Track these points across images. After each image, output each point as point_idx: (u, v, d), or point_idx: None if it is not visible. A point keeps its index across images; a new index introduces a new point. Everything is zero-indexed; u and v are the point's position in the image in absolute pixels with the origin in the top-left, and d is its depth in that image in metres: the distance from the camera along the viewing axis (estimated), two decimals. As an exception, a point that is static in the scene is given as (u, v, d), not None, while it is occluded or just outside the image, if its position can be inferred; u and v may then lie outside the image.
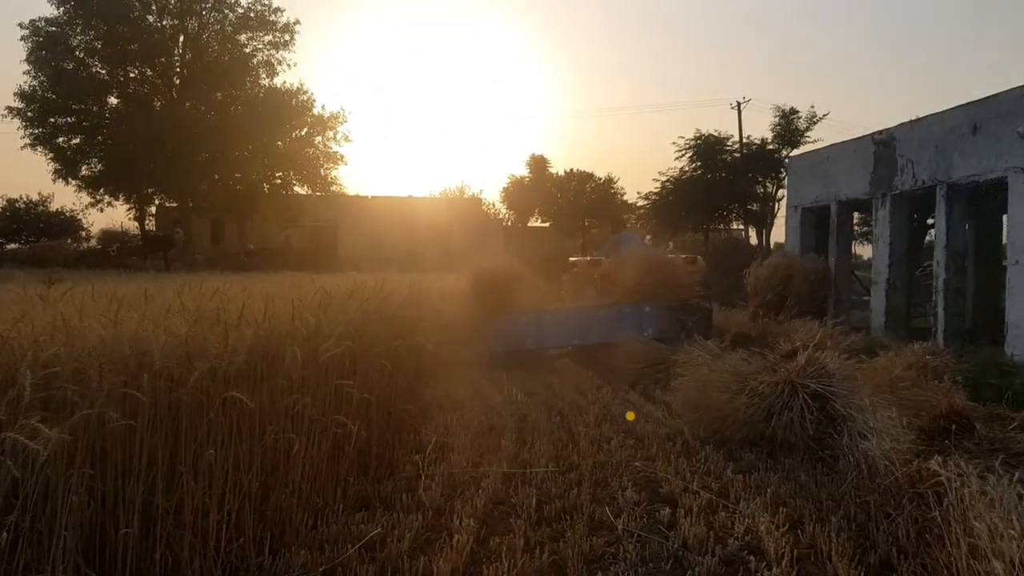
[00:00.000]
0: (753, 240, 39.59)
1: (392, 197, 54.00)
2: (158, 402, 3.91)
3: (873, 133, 14.73)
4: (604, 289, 14.43)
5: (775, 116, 35.38)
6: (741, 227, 40.47)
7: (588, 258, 16.34)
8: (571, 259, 16.35)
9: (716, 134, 35.97)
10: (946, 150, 12.55)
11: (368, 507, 5.59)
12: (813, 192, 17.06)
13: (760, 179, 34.66)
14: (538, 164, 66.52)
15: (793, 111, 35.06)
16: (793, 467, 6.87)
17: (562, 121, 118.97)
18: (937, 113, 12.93)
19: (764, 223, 38.05)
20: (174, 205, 43.95)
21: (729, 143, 35.72)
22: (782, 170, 33.86)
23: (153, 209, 46.08)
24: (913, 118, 13.64)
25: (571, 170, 68.81)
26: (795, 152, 32.61)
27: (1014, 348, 10.82)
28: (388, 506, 5.61)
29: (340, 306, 6.53)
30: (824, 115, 34.90)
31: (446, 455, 6.98)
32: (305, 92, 41.19)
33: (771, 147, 35.38)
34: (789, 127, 34.95)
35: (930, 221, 30.65)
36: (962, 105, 12.10)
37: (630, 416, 8.69)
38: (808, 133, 34.70)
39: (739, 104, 36.30)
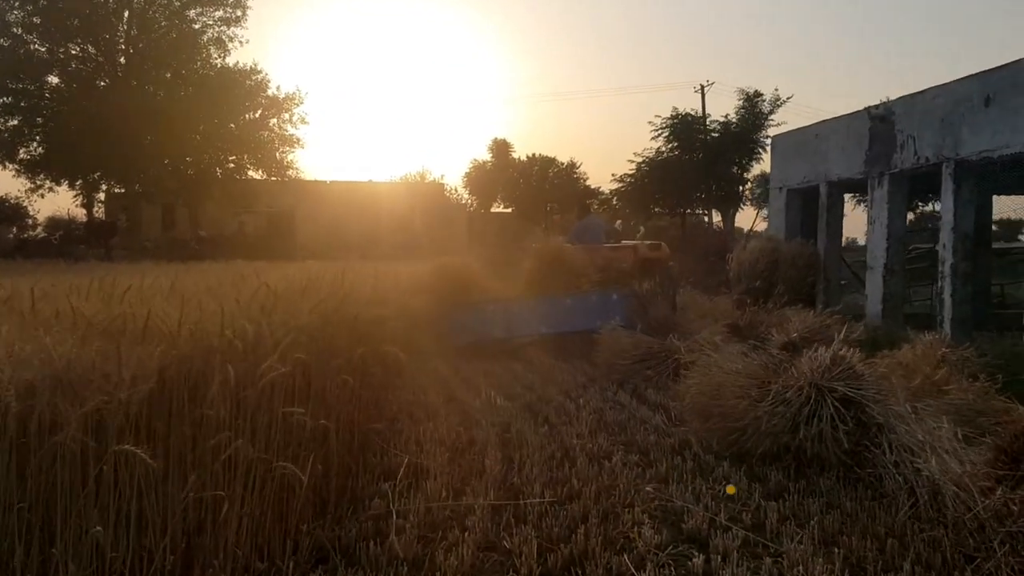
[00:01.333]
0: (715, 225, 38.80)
1: (352, 182, 52.51)
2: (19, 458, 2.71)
3: (869, 107, 13.78)
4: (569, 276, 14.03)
5: (739, 99, 34.66)
6: (704, 212, 39.65)
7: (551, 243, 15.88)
8: (533, 245, 15.87)
9: (693, 113, 34.99)
10: (953, 124, 11.62)
11: (326, 561, 4.44)
12: (800, 172, 16.12)
13: (738, 160, 33.76)
14: (500, 149, 65.61)
15: (757, 94, 34.37)
16: (831, 490, 5.83)
17: (524, 105, 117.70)
18: (943, 84, 11.99)
19: (730, 207, 37.26)
20: (123, 191, 42.05)
21: (708, 122, 34.73)
22: (759, 151, 33.09)
23: (102, 195, 44.02)
24: (914, 91, 12.70)
25: (534, 155, 67.94)
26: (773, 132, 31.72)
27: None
28: (351, 560, 4.45)
29: (290, 306, 5.32)
30: (788, 98, 34.43)
31: (420, 482, 5.82)
32: (259, 72, 39.52)
33: (736, 129, 34.52)
34: (753, 110, 34.21)
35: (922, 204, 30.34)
36: (973, 75, 11.17)
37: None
38: (772, 116, 34.07)
39: (703, 87, 35.43)
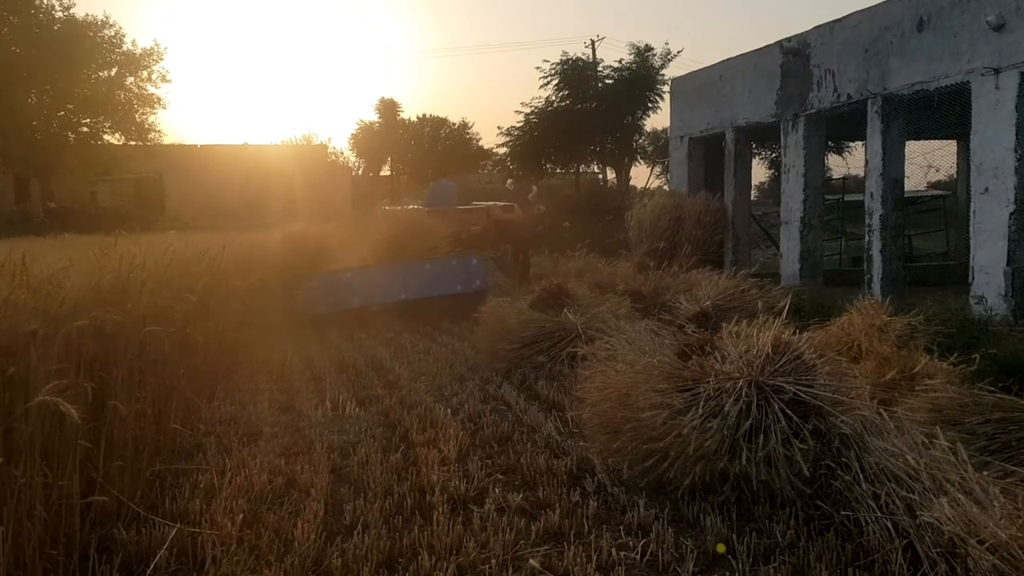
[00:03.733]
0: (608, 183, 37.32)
1: (226, 146, 48.90)
2: None
3: (780, 41, 12.18)
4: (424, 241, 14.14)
5: (630, 54, 32.96)
6: (598, 169, 38.10)
7: (407, 207, 16.87)
8: (385, 208, 16.80)
9: (584, 58, 32.87)
10: (879, 54, 10.10)
11: None
12: (703, 119, 14.50)
13: (633, 110, 31.91)
14: (388, 109, 62.80)
15: (648, 48, 32.72)
16: (792, 545, 4.09)
17: (412, 62, 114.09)
18: (867, 9, 10.43)
19: (624, 162, 35.75)
20: None
21: (600, 68, 32.64)
22: (656, 98, 31.36)
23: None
24: (832, 19, 11.12)
25: (424, 115, 65.38)
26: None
27: (988, 300, 8.53)
28: None
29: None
30: (679, 52, 33.02)
31: (195, 566, 3.82)
32: (111, 25, 35.64)
33: (629, 76, 32.64)
34: (644, 64, 32.61)
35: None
36: (904, -6, 9.63)
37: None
38: (663, 71, 32.58)
39: (593, 42, 33.56)
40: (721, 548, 4.91)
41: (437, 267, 12.76)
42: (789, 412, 4.79)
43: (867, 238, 10.45)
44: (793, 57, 11.91)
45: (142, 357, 4.69)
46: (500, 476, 5.21)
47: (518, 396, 7.36)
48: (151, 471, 4.83)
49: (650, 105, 31.76)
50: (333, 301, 12.05)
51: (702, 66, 15.07)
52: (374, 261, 13.57)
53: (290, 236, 13.59)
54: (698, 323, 9.21)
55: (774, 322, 7.55)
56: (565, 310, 9.26)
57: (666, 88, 31.45)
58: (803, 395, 4.93)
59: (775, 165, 37.12)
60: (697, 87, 14.74)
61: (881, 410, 4.97)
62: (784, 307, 9.58)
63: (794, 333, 6.06)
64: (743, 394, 4.89)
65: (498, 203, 17.16)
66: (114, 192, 39.68)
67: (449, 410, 6.84)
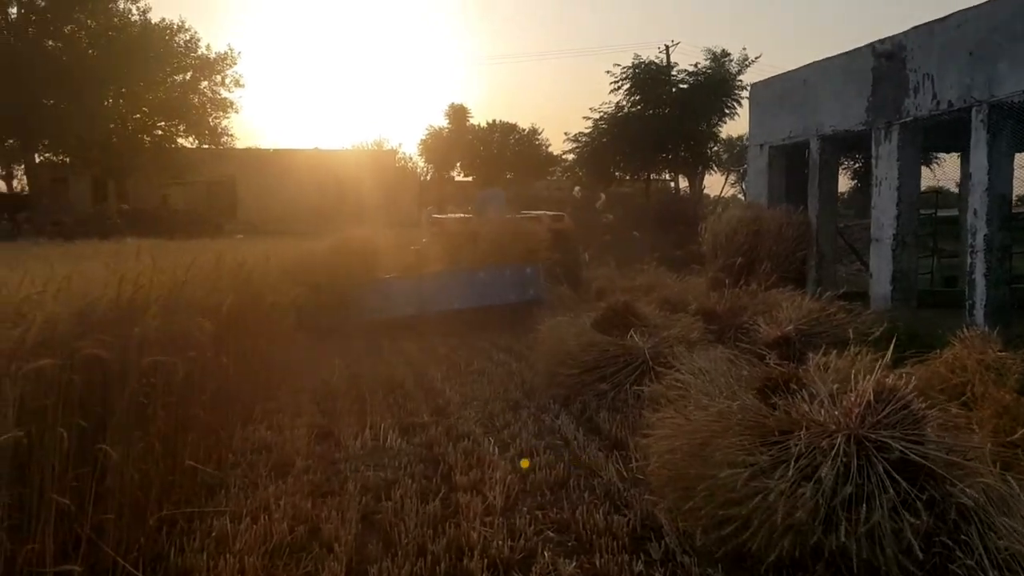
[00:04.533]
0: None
1: (296, 150, 49.33)
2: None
3: (873, 43, 11.22)
4: (474, 249, 14.19)
5: (706, 59, 31.76)
6: (669, 177, 36.90)
7: (455, 215, 16.61)
8: (434, 216, 16.20)
9: (658, 62, 31.68)
10: (986, 58, 9.11)
11: None
12: (785, 126, 13.56)
13: (715, 115, 30.61)
14: (458, 114, 62.78)
15: (724, 54, 31.49)
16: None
17: (483, 68, 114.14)
18: (973, 7, 9.44)
19: (698, 171, 34.57)
20: (62, 160, 38.47)
21: (674, 72, 31.39)
22: (733, 104, 30.08)
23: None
24: (931, 19, 10.15)
25: (494, 121, 65.16)
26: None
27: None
28: None
29: None
30: (756, 57, 31.62)
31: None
32: (187, 30, 36.12)
33: (706, 81, 31.32)
34: (720, 70, 31.39)
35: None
36: (1018, -9, 8.64)
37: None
38: (740, 77, 31.35)
39: (667, 48, 32.50)
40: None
41: (491, 276, 12.58)
42: (896, 476, 4.01)
43: (969, 260, 9.44)
44: (887, 60, 10.94)
45: (150, 389, 4.14)
46: (551, 534, 4.52)
47: (577, 430, 6.67)
48: (157, 517, 4.27)
49: (727, 112, 30.48)
50: (387, 308, 11.94)
51: (780, 72, 14.16)
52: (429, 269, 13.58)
53: (342, 242, 13.45)
54: (779, 350, 8.37)
55: (867, 354, 6.73)
56: (631, 332, 8.54)
57: (744, 94, 30.30)
58: (913, 455, 4.14)
59: (858, 175, 35.53)
60: (779, 92, 13.82)
61: (1009, 478, 4.15)
62: (868, 330, 8.75)
63: (892, 368, 5.31)
64: (841, 451, 4.13)
65: (548, 212, 16.88)
66: (186, 195, 40.21)
67: (499, 446, 6.17)
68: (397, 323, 11.81)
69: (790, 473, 4.00)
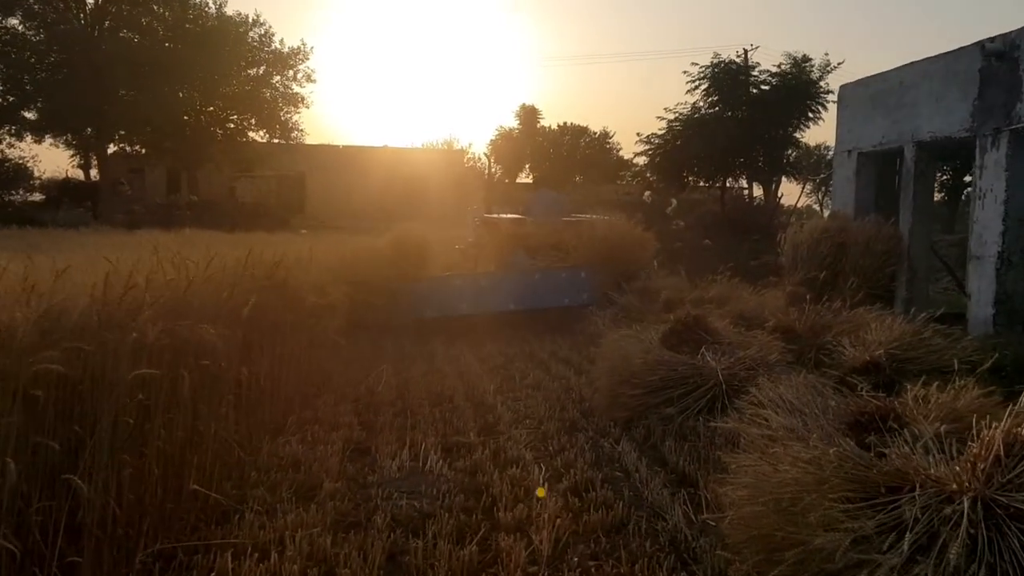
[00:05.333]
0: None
1: (365, 147, 49.42)
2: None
3: (983, 41, 10.20)
4: (529, 251, 14.33)
5: (786, 64, 30.35)
6: (744, 183, 35.53)
7: (508, 216, 16.85)
8: (484, 215, 16.72)
9: (739, 60, 30.25)
10: (1119, 56, 8.08)
11: None
12: (876, 131, 12.54)
13: (793, 120, 29.09)
14: (528, 115, 62.40)
15: (806, 58, 30.01)
16: None
17: (554, 68, 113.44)
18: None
19: (773, 177, 33.20)
20: (136, 151, 39.15)
21: (755, 72, 29.86)
22: (817, 108, 28.53)
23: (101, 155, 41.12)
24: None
25: (565, 123, 64.59)
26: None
27: None
28: None
29: None
30: (839, 63, 29.99)
31: None
32: (261, 24, 36.31)
33: (792, 81, 29.74)
34: (801, 76, 29.96)
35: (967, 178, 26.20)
36: None
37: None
38: (821, 83, 29.88)
39: (746, 52, 31.19)
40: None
41: (546, 279, 12.62)
42: (1030, 551, 3.22)
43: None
44: (997, 61, 9.92)
45: (147, 404, 3.58)
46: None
47: (639, 459, 5.94)
48: (150, 552, 3.70)
49: (810, 116, 28.92)
50: (441, 306, 11.97)
51: (865, 74, 13.15)
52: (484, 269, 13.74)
53: (396, 239, 13.49)
54: (868, 377, 7.54)
55: (972, 387, 5.93)
56: (703, 350, 7.78)
57: (830, 98, 28.69)
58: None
59: (945, 188, 33.74)
60: (871, 95, 12.80)
61: None
62: (966, 355, 7.81)
63: (1005, 405, 4.51)
64: (966, 519, 3.36)
65: (604, 217, 16.81)
66: (255, 188, 40.50)
67: (551, 474, 5.50)
68: (451, 323, 11.73)
69: (904, 546, 3.24)
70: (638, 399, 7.16)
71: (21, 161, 47.17)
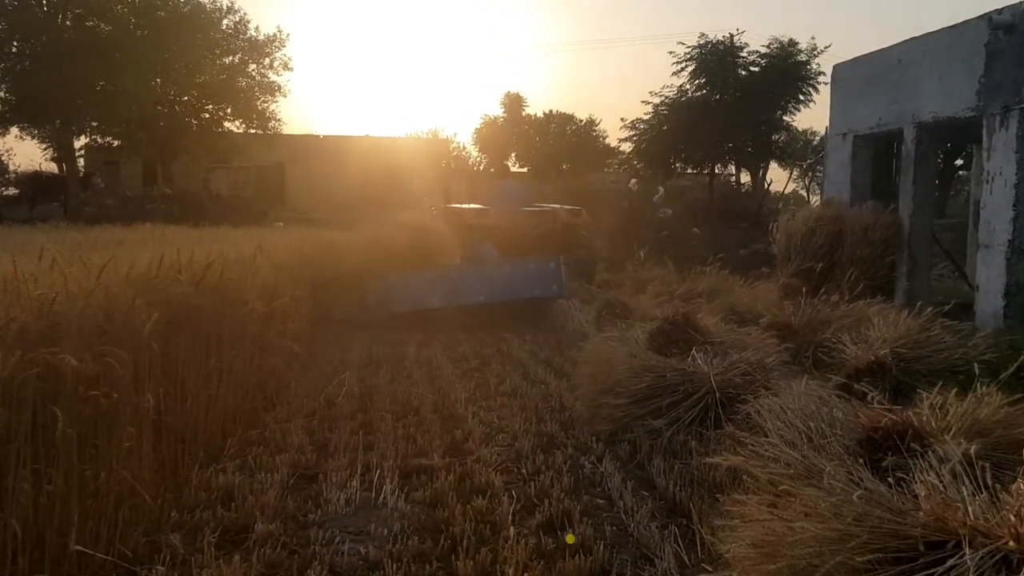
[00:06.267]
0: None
1: (346, 137, 48.49)
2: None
3: (990, 13, 9.50)
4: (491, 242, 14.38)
5: (774, 46, 29.57)
6: (730, 170, 34.77)
7: (471, 206, 16.81)
8: (447, 206, 16.97)
9: (727, 41, 29.07)
10: None
11: None
12: (873, 112, 11.85)
13: (786, 102, 28.24)
14: (513, 103, 61.52)
15: (792, 43, 29.26)
16: None
17: (540, 56, 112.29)
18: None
19: (760, 163, 32.47)
20: (108, 142, 38.13)
21: (744, 53, 28.96)
22: (810, 89, 27.71)
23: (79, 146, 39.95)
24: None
25: (551, 111, 63.70)
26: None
27: None
28: None
29: None
30: (826, 47, 29.05)
31: None
32: (236, 11, 35.27)
33: (780, 63, 28.89)
34: (787, 60, 29.20)
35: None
36: None
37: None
38: (809, 67, 29.14)
39: (731, 36, 30.41)
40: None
41: (516, 270, 12.51)
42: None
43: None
44: (1005, 34, 9.23)
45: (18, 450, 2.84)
46: None
47: (623, 483, 5.24)
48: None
49: (801, 98, 28.10)
50: (412, 300, 11.89)
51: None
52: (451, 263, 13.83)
53: (372, 235, 13.90)
54: (873, 379, 6.86)
55: (996, 393, 5.30)
56: (693, 352, 7.07)
57: (820, 79, 27.82)
58: None
59: (936, 171, 33.12)
60: (867, 74, 12.10)
61: None
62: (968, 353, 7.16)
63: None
64: None
65: (564, 206, 16.92)
66: (230, 180, 39.53)
67: (522, 504, 4.79)
68: (420, 316, 11.63)
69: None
70: (623, 410, 6.45)
71: (-6, 155, 46.02)
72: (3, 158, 47.85)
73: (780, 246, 12.41)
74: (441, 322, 11.44)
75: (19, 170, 45.88)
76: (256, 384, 6.89)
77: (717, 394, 6.35)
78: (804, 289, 10.45)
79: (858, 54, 12.56)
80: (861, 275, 10.61)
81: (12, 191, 46.00)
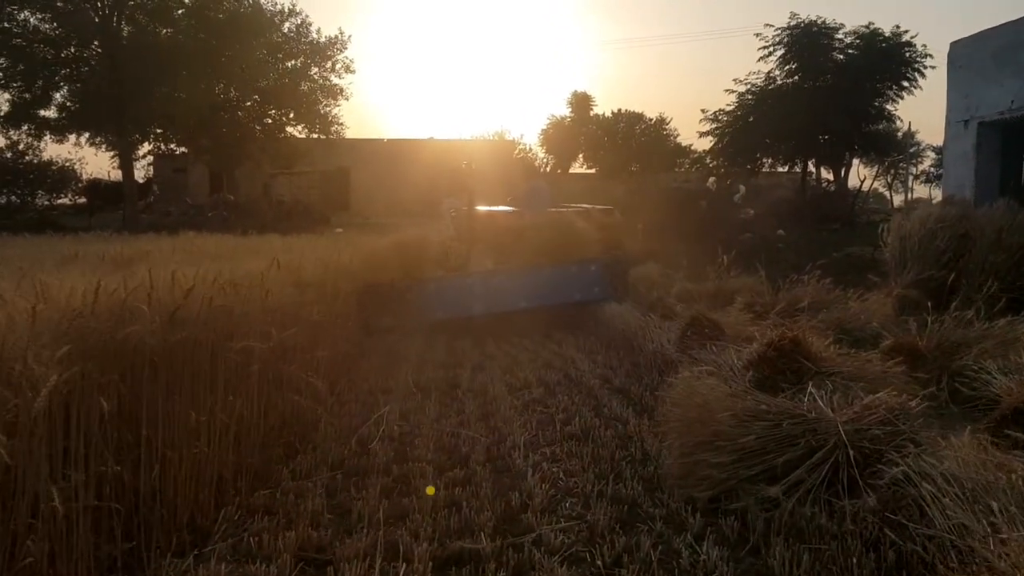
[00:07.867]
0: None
1: (413, 140, 47.80)
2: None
3: None
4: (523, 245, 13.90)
5: (853, 39, 27.22)
6: (823, 168, 32.40)
7: (501, 208, 16.31)
8: (476, 208, 15.33)
9: (820, 21, 25.34)
10: None
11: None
12: (1005, 95, 10.14)
13: (889, 88, 25.50)
14: (581, 103, 60.32)
15: (876, 32, 26.94)
16: None
17: (609, 53, 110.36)
18: None
19: (846, 158, 30.15)
20: (171, 149, 38.20)
21: (840, 35, 26.27)
22: (915, 74, 24.95)
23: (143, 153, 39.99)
24: None
25: (619, 110, 62.28)
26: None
27: None
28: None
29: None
30: (914, 36, 26.23)
31: None
32: (298, 14, 34.72)
33: (884, 44, 26.28)
34: (890, 41, 26.89)
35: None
36: None
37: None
38: (913, 48, 26.77)
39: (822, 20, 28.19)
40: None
41: (557, 273, 12.26)
42: None
43: None
44: None
45: None
46: None
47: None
48: None
49: (905, 84, 25.33)
50: (453, 307, 11.57)
51: (940, 53, 10.71)
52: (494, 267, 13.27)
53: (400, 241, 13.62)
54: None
55: None
56: (811, 390, 5.62)
57: (927, 62, 24.97)
58: None
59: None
60: (994, 51, 10.38)
61: None
62: None
63: None
64: None
65: (596, 206, 17.02)
66: (293, 186, 39.03)
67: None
68: (464, 323, 11.33)
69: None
70: (726, 470, 5.01)
71: (68, 164, 46.53)
72: (75, 167, 48.42)
73: (892, 252, 10.75)
74: (486, 329, 11.07)
75: (90, 178, 46.35)
76: (273, 429, 5.69)
77: (849, 450, 4.90)
78: (927, 303, 8.83)
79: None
80: (1000, 287, 8.93)
81: (82, 200, 46.48)
